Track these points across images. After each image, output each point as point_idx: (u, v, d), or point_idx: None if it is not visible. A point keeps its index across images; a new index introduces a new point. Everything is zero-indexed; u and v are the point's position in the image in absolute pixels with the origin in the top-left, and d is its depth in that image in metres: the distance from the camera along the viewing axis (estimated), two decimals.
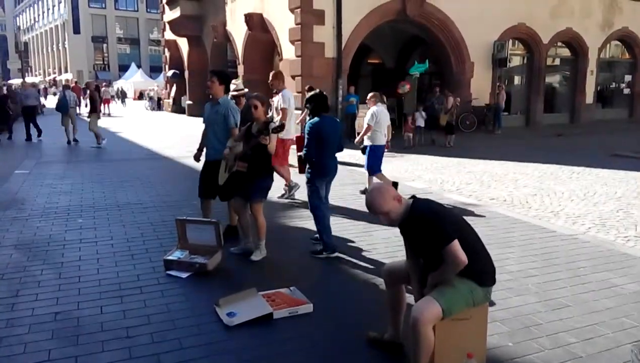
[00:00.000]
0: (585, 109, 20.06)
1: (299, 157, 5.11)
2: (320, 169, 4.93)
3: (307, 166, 4.99)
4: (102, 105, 24.38)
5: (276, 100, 7.42)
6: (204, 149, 5.48)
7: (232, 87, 6.23)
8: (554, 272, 4.47)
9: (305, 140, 4.91)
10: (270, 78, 7.50)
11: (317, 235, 5.04)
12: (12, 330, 3.43)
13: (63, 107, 13.56)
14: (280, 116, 7.00)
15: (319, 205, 4.94)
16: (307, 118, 5.22)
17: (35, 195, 7.50)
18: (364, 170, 7.53)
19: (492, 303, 3.12)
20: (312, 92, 5.09)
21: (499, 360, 3.06)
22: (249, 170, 4.70)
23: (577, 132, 17.03)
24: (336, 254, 4.89)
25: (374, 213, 2.79)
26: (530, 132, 17.20)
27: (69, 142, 13.72)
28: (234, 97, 6.14)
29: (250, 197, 4.80)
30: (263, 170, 4.79)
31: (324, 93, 5.07)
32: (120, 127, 19.31)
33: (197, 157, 5.64)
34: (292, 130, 7.41)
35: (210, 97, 5.35)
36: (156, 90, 33.81)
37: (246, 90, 6.59)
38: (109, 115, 25.25)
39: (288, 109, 7.18)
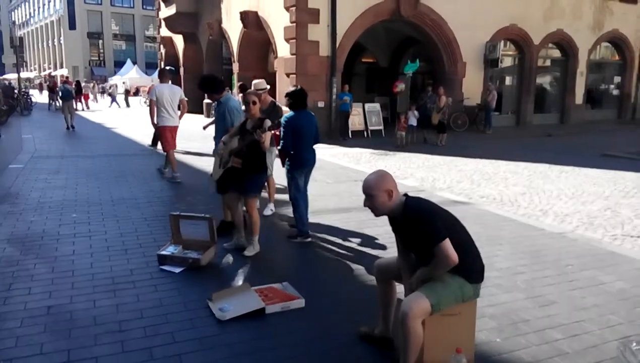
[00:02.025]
0: (575, 109, 20.25)
1: (279, 150, 5.25)
2: (298, 160, 5.18)
3: (287, 158, 5.22)
4: (81, 100, 24.87)
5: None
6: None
7: (252, 85, 6.28)
8: (542, 270, 4.54)
9: (282, 134, 5.11)
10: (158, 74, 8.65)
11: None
12: (4, 323, 3.44)
13: (69, 95, 16.64)
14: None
15: (296, 195, 5.25)
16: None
17: (29, 189, 7.48)
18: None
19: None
20: (293, 89, 5.30)
21: (487, 356, 3.11)
22: (243, 166, 4.74)
23: (566, 133, 17.18)
24: (309, 239, 5.26)
25: (364, 193, 2.84)
26: (520, 132, 17.33)
27: (67, 128, 15.69)
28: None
29: (245, 193, 4.84)
30: (257, 166, 4.83)
31: (304, 90, 5.26)
32: (115, 122, 19.23)
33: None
34: (165, 120, 8.14)
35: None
36: (126, 84, 33.70)
37: (268, 87, 6.49)
38: (87, 109, 26.08)
39: (155, 101, 8.02)
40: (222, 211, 5.55)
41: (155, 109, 8.05)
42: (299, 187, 5.25)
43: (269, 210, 6.33)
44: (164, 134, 8.22)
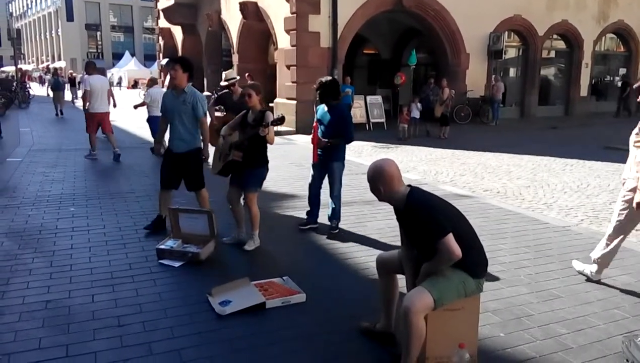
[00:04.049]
0: (580, 101, 20.12)
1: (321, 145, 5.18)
2: (344, 151, 5.32)
3: (328, 152, 5.16)
4: (76, 93, 24.96)
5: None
6: (166, 141, 5.34)
7: (223, 76, 6.21)
8: (546, 264, 4.49)
9: (347, 126, 5.12)
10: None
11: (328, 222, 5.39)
12: (3, 318, 3.41)
13: (59, 86, 19.14)
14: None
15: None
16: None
17: (27, 183, 7.44)
18: None
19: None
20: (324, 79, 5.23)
21: (490, 351, 3.07)
22: (244, 159, 4.67)
23: (571, 125, 17.08)
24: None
25: (368, 179, 2.85)
26: (524, 124, 17.23)
27: (56, 114, 18.11)
28: (226, 86, 6.11)
29: (245, 187, 4.78)
30: (258, 160, 4.76)
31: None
32: (113, 115, 19.12)
33: (158, 150, 5.56)
34: (97, 106, 9.29)
35: (173, 86, 5.10)
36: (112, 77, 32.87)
37: (238, 77, 6.52)
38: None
39: (89, 90, 9.09)
40: (159, 206, 5.30)
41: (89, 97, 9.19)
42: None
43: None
44: (92, 119, 9.36)
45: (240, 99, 5.99)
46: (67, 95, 25.66)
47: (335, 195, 5.29)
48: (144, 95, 10.41)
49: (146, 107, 9.89)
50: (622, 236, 4.00)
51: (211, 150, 5.19)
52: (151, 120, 9.73)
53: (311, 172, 5.42)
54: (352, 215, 5.87)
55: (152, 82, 10.82)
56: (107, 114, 9.63)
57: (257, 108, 4.72)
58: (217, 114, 6.66)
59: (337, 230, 5.29)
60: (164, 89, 7.45)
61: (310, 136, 5.32)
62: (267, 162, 4.86)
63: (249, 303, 3.54)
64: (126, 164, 9.12)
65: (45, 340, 3.13)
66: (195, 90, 5.11)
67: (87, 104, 9.21)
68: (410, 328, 2.60)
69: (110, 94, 9.98)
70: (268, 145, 4.75)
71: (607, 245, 4.03)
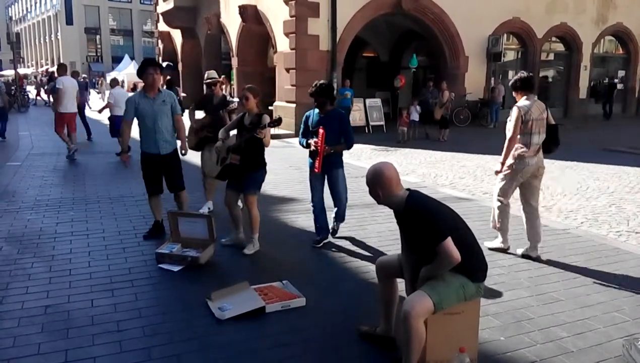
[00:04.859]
0: (579, 103, 20.13)
1: (329, 152, 4.83)
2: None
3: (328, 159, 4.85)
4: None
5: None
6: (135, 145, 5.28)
7: (205, 75, 6.33)
8: (546, 267, 4.48)
9: (348, 130, 4.89)
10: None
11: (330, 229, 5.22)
12: (2, 323, 3.40)
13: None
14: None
15: None
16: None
17: (27, 187, 7.43)
18: None
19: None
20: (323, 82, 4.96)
21: (490, 355, 3.07)
22: (242, 162, 4.66)
23: (570, 127, 17.07)
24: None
25: (366, 182, 2.86)
26: None
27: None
28: (208, 85, 6.18)
29: (244, 190, 4.77)
30: (256, 162, 4.75)
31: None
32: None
33: (127, 158, 5.35)
34: (68, 106, 9.99)
35: (147, 89, 5.01)
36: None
37: (220, 78, 6.67)
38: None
39: (61, 89, 9.71)
40: (153, 213, 5.31)
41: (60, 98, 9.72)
42: None
43: (207, 207, 6.10)
44: (62, 119, 9.87)
45: (220, 101, 6.09)
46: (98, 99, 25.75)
47: (343, 207, 5.17)
48: (108, 96, 10.81)
49: (109, 107, 10.45)
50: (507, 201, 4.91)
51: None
52: (115, 120, 10.13)
53: (308, 184, 5.13)
54: (353, 219, 5.86)
55: (114, 83, 11.13)
56: (75, 114, 10.32)
57: (254, 111, 4.72)
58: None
59: (335, 233, 5.25)
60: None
61: (311, 143, 4.84)
62: (265, 164, 4.86)
63: (248, 308, 3.53)
64: (124, 167, 9.08)
65: (44, 346, 3.12)
66: (166, 89, 5.35)
67: (58, 104, 9.79)
68: (410, 332, 2.59)
69: (78, 96, 10.60)
70: (265, 147, 4.75)
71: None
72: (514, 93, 4.82)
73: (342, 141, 4.90)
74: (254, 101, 4.72)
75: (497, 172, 4.86)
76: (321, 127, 4.76)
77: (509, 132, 4.68)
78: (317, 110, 4.96)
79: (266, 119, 4.57)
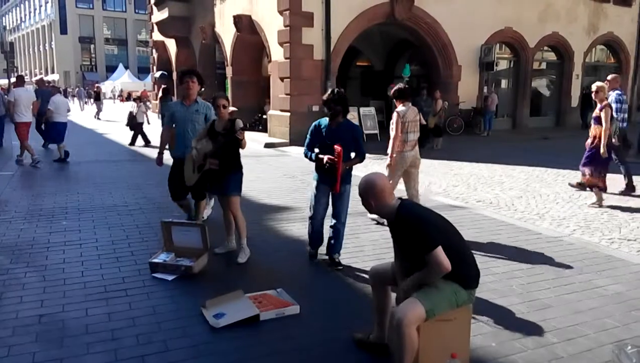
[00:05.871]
0: (571, 112, 20.32)
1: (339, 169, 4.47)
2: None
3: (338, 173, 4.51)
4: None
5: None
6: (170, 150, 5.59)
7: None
8: (539, 274, 4.52)
9: (361, 143, 4.70)
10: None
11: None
12: None
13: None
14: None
15: None
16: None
17: (19, 197, 7.42)
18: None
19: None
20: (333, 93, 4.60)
21: (482, 360, 3.09)
22: (221, 166, 4.72)
23: (562, 135, 17.22)
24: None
25: (359, 194, 2.90)
26: (516, 135, 17.37)
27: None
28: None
29: (227, 193, 4.80)
30: (234, 165, 4.82)
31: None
32: (107, 128, 19.15)
33: (161, 161, 5.68)
34: (22, 117, 10.21)
35: (182, 97, 5.51)
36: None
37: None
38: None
39: (16, 101, 10.01)
40: (188, 212, 5.70)
41: (14, 108, 10.00)
42: None
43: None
44: (21, 128, 10.08)
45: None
46: (91, 109, 25.40)
47: (342, 222, 4.71)
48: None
49: (48, 113, 10.73)
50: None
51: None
52: (57, 126, 10.69)
53: (312, 201, 4.73)
54: (346, 227, 5.86)
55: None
56: (29, 123, 10.53)
57: (226, 118, 4.80)
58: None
59: (342, 267, 4.66)
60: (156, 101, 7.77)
61: (324, 159, 4.45)
62: (241, 166, 4.92)
63: (242, 316, 3.55)
64: (118, 176, 9.11)
65: (39, 355, 3.12)
66: (204, 101, 5.57)
67: (14, 114, 10.07)
68: (403, 339, 2.62)
69: (34, 106, 10.78)
70: (240, 150, 4.82)
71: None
72: (394, 101, 5.92)
73: (354, 154, 4.62)
74: (227, 110, 4.85)
75: (388, 166, 5.92)
76: (338, 144, 4.42)
77: (392, 132, 5.81)
78: (326, 121, 4.61)
79: (240, 123, 4.64)
